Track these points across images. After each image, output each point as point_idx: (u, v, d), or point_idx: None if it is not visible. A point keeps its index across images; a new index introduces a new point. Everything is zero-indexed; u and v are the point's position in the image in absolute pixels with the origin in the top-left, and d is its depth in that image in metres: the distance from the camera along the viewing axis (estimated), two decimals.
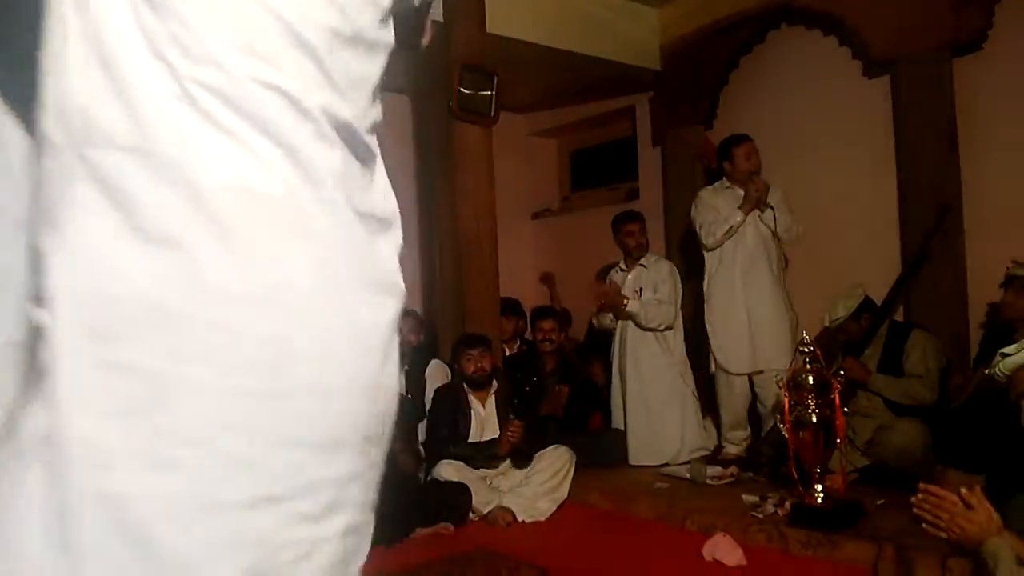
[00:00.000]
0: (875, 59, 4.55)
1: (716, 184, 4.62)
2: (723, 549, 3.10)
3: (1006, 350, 1.80)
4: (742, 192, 4.38)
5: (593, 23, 5.19)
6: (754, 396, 4.47)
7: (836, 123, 4.79)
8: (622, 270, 4.84)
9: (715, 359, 4.53)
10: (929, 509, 2.09)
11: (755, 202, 4.32)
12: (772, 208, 4.32)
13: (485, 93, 4.58)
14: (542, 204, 6.85)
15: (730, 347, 4.44)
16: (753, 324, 4.36)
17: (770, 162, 4.89)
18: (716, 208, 4.47)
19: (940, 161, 4.25)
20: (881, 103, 4.58)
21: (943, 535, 2.09)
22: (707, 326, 4.55)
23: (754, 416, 4.54)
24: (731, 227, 4.38)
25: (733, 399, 4.51)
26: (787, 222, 4.33)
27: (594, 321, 5.24)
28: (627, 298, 4.62)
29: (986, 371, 1.89)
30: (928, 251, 4.10)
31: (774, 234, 4.36)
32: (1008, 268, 3.59)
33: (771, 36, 5.19)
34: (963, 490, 2.00)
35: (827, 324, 4.05)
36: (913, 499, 2.18)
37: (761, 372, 4.35)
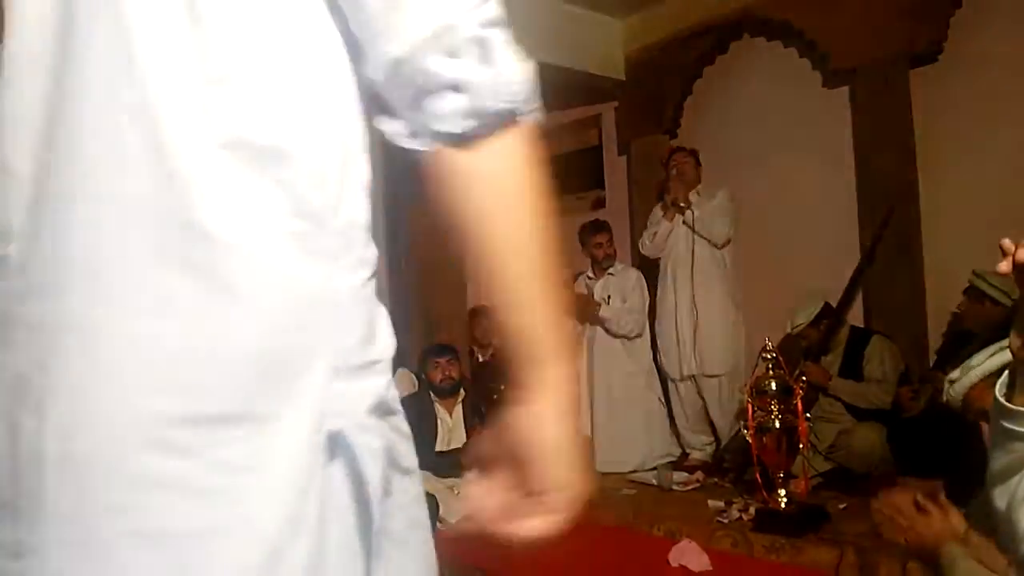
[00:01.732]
0: (834, 70, 4.63)
1: None
2: (689, 555, 3.13)
3: (951, 376, 1.83)
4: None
5: (557, 33, 5.21)
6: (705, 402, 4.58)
7: (797, 132, 4.86)
8: (590, 278, 4.87)
9: (660, 364, 4.70)
10: (889, 515, 2.12)
11: (671, 207, 4.56)
12: (692, 211, 4.48)
13: None
14: None
15: (670, 352, 4.61)
16: (688, 329, 4.49)
17: (731, 170, 4.97)
18: (656, 221, 4.73)
19: (898, 169, 4.33)
20: (841, 113, 4.66)
21: (900, 541, 2.13)
22: (655, 333, 4.73)
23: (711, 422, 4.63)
24: (655, 232, 4.66)
25: (683, 404, 4.65)
26: (708, 225, 4.47)
27: None
28: (599, 304, 4.67)
29: (942, 399, 1.93)
30: (875, 252, 4.18)
31: (708, 241, 4.49)
32: (970, 278, 3.66)
33: (733, 47, 5.26)
34: (919, 496, 2.03)
35: (789, 331, 4.12)
36: (873, 504, 2.21)
37: (707, 376, 4.47)
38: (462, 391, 4.26)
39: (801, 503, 3.31)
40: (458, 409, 4.22)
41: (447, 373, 4.17)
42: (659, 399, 4.73)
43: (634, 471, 4.49)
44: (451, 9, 0.69)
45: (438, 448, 4.09)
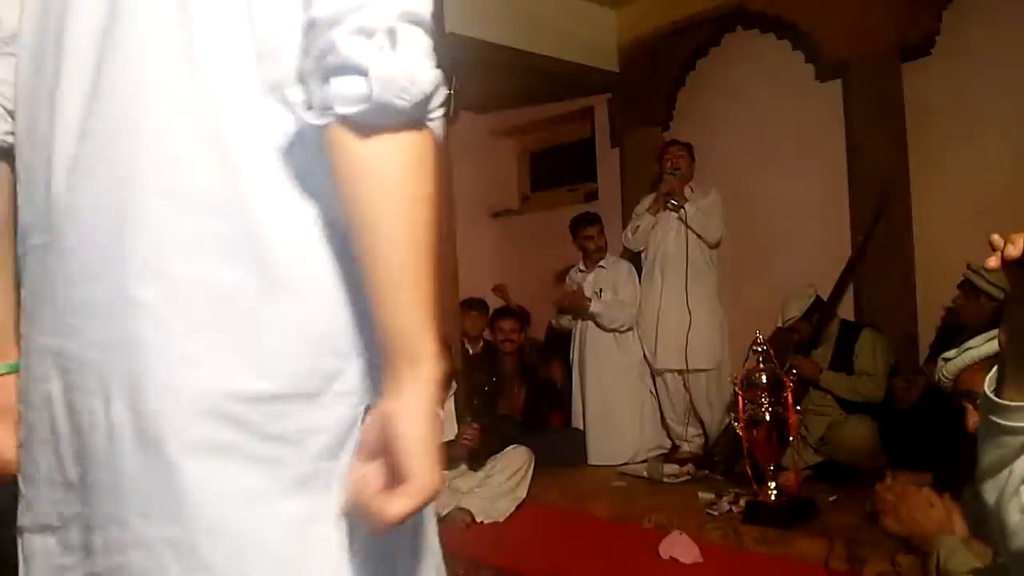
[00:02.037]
0: (827, 62, 4.63)
1: None
2: (680, 547, 3.14)
3: (947, 355, 1.84)
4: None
5: (551, 24, 5.20)
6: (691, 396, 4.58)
7: (790, 125, 4.86)
8: (581, 271, 4.87)
9: (646, 357, 4.69)
10: (892, 501, 2.15)
11: (661, 201, 4.55)
12: (684, 209, 4.47)
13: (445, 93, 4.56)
14: (502, 204, 6.85)
15: (656, 345, 4.59)
16: (674, 324, 4.47)
17: (724, 162, 4.97)
18: (642, 213, 4.71)
19: (890, 163, 4.33)
20: (833, 106, 4.66)
21: (896, 529, 2.15)
22: (637, 326, 4.72)
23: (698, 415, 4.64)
24: (638, 226, 4.66)
25: (669, 397, 4.64)
26: (703, 224, 4.46)
27: (553, 322, 5.28)
28: (589, 299, 4.67)
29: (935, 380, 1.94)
30: (868, 243, 4.16)
31: (700, 239, 4.49)
32: (964, 273, 3.67)
33: (726, 39, 5.25)
34: (927, 490, 2.06)
35: (780, 324, 4.12)
36: (877, 488, 2.24)
37: (693, 371, 4.47)
38: (454, 384, 4.25)
39: (791, 495, 3.32)
40: (449, 402, 4.21)
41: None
42: (651, 392, 4.74)
43: (625, 463, 4.50)
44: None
45: None
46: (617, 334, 4.71)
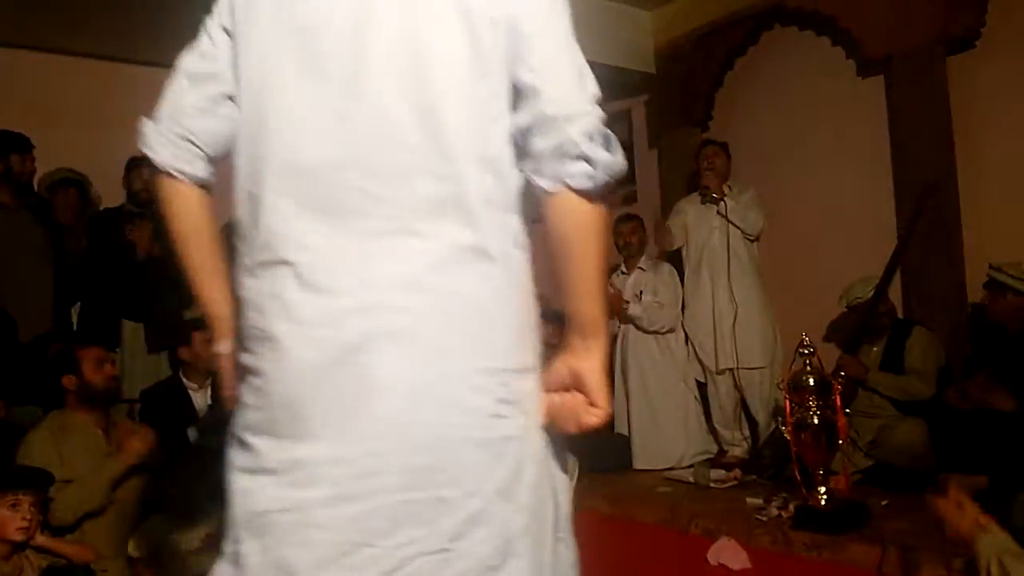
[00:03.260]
0: (868, 58, 4.56)
1: None
2: (728, 553, 3.10)
3: None
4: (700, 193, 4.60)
5: (586, 26, 5.11)
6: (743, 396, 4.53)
7: (831, 122, 4.79)
8: (623, 273, 4.85)
9: (698, 359, 4.63)
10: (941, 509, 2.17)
11: (707, 198, 4.52)
12: (724, 202, 4.44)
13: None
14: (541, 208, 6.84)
15: (706, 346, 4.54)
16: (727, 322, 4.41)
17: (764, 162, 4.91)
18: (680, 210, 4.70)
19: (935, 158, 4.25)
20: (876, 102, 4.58)
21: (951, 536, 2.15)
22: (686, 327, 4.66)
23: (749, 417, 4.58)
24: (679, 218, 4.65)
25: (719, 399, 4.57)
26: (742, 216, 4.43)
27: None
28: (627, 301, 4.64)
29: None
30: (911, 237, 4.07)
31: (743, 233, 4.44)
32: (988, 272, 3.61)
33: (765, 37, 5.19)
34: (952, 490, 2.13)
35: (845, 306, 4.06)
36: (927, 498, 2.25)
37: (743, 369, 4.42)
38: None
39: (842, 500, 3.26)
40: None
41: None
42: (695, 396, 4.69)
43: (671, 468, 4.46)
44: (588, 100, 1.13)
45: None
46: (659, 337, 4.68)
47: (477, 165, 1.10)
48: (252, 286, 1.13)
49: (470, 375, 1.08)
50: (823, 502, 3.23)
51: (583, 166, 1.07)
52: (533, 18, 1.12)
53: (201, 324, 3.89)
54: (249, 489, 1.11)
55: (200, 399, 3.67)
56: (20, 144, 3.98)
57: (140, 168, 4.27)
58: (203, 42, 1.22)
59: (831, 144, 4.78)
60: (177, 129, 1.20)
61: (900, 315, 4.22)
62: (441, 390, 1.07)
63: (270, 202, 1.10)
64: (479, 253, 1.10)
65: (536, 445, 1.15)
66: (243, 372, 1.15)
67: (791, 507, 3.35)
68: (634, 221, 4.84)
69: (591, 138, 1.08)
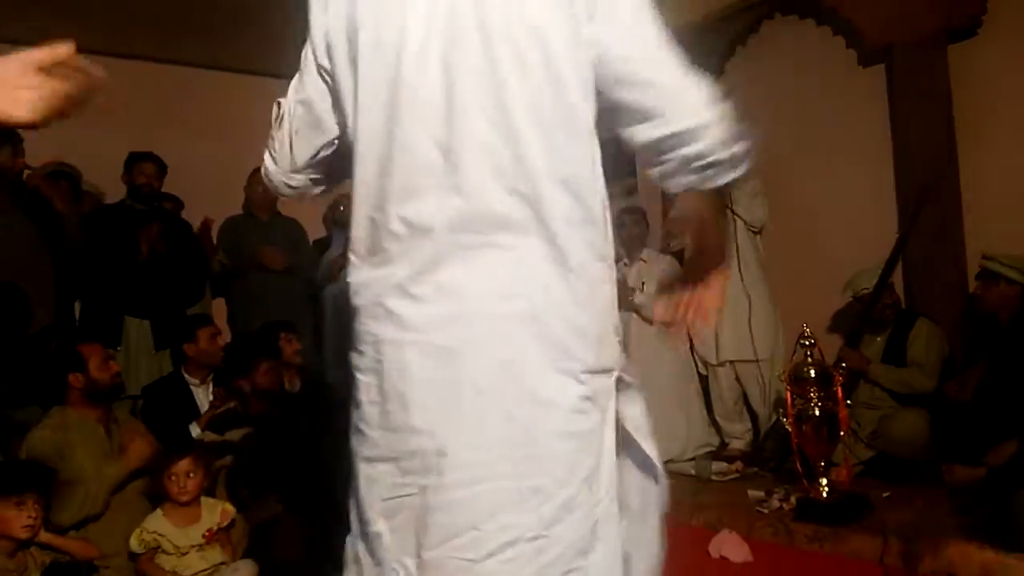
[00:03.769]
0: (869, 47, 4.53)
1: None
2: (729, 545, 3.11)
3: None
4: None
5: None
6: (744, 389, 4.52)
7: (833, 112, 4.77)
8: (625, 264, 4.84)
9: (697, 351, 4.60)
10: None
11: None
12: (729, 194, 4.30)
13: None
14: None
15: (707, 337, 4.50)
16: (727, 314, 4.37)
17: (765, 151, 4.85)
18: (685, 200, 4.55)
19: (937, 149, 4.23)
20: (877, 91, 4.56)
21: None
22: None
23: (751, 410, 4.58)
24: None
25: (720, 391, 4.56)
26: (747, 207, 4.39)
27: None
28: (633, 289, 4.63)
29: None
30: (913, 229, 4.03)
31: (747, 225, 4.40)
32: (980, 262, 3.61)
33: (766, 26, 5.17)
34: None
35: (851, 296, 4.06)
36: None
37: (744, 361, 4.40)
38: None
39: (843, 492, 3.26)
40: None
41: None
42: (696, 388, 4.69)
43: (672, 461, 4.45)
44: (708, 105, 1.28)
45: None
46: (662, 327, 4.66)
47: (556, 185, 1.21)
48: (364, 294, 1.29)
49: (556, 376, 1.20)
50: (825, 494, 3.23)
51: (716, 169, 1.25)
52: (623, 39, 1.24)
53: (206, 320, 3.92)
54: (374, 476, 1.28)
55: (202, 395, 3.68)
56: (9, 140, 3.88)
57: (143, 163, 4.26)
58: (308, 84, 1.38)
59: (832, 133, 4.76)
60: (296, 179, 1.48)
61: (903, 306, 4.22)
62: (529, 390, 1.19)
63: (389, 225, 1.25)
64: (560, 264, 1.21)
65: (612, 439, 1.27)
66: (356, 370, 1.32)
67: (793, 499, 3.36)
68: (636, 213, 4.83)
69: (724, 144, 1.25)
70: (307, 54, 1.37)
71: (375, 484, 1.28)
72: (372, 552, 1.28)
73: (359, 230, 1.31)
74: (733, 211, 4.40)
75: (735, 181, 1.28)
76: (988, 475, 2.76)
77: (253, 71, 5.50)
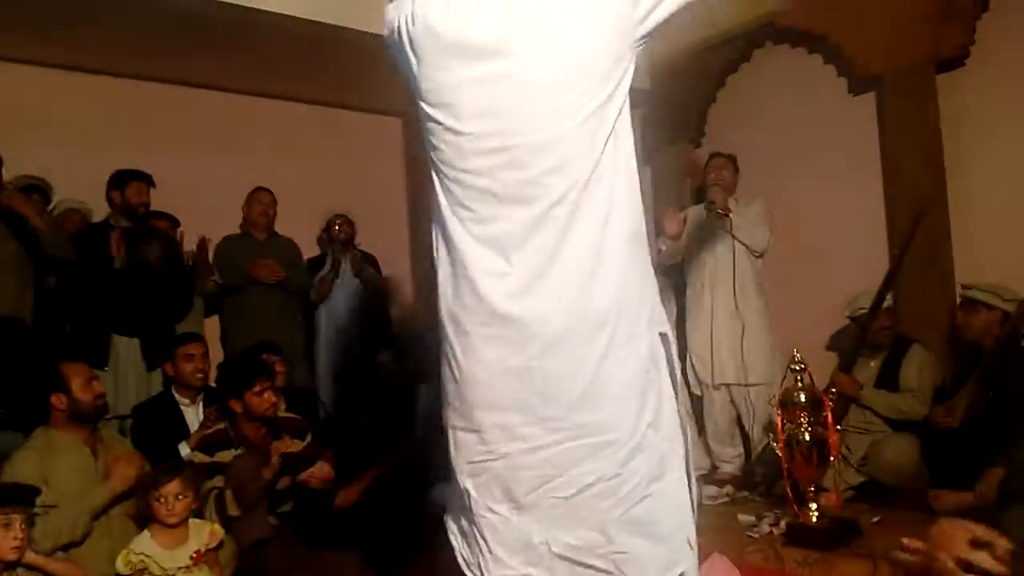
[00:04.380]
0: (860, 76, 4.59)
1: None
2: (719, 570, 3.09)
3: None
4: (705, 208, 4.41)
5: None
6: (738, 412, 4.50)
7: (824, 140, 4.82)
8: None
9: (694, 372, 4.54)
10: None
11: (712, 212, 4.33)
12: (729, 218, 4.28)
13: None
14: None
15: (705, 360, 4.45)
16: (726, 337, 4.34)
17: (757, 179, 4.92)
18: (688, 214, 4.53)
19: (926, 175, 4.28)
20: (867, 119, 4.62)
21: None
22: (687, 340, 4.58)
23: (743, 434, 4.57)
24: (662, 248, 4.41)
25: (714, 414, 4.52)
26: (748, 233, 4.29)
27: None
28: None
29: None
30: (904, 256, 4.05)
31: (748, 249, 4.36)
32: (960, 291, 3.64)
33: (757, 54, 5.23)
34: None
35: (848, 315, 4.08)
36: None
37: (739, 385, 4.38)
38: None
39: (833, 517, 3.26)
40: None
41: None
42: (687, 411, 4.68)
43: None
44: None
45: None
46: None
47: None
48: (452, 296, 1.59)
49: (629, 343, 1.47)
50: (815, 519, 3.23)
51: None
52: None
53: (195, 338, 3.89)
54: (464, 443, 1.55)
55: (191, 414, 3.66)
56: None
57: (137, 182, 4.21)
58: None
59: (823, 161, 4.81)
60: None
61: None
62: (604, 357, 1.45)
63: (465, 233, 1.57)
64: (630, 239, 1.51)
65: (668, 387, 1.54)
66: (446, 357, 1.59)
67: (783, 524, 3.35)
68: None
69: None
70: None
71: (465, 450, 1.55)
72: (462, 505, 1.57)
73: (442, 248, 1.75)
74: (734, 236, 4.33)
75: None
76: (978, 505, 2.77)
77: (251, 91, 5.53)
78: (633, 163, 1.57)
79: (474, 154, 1.49)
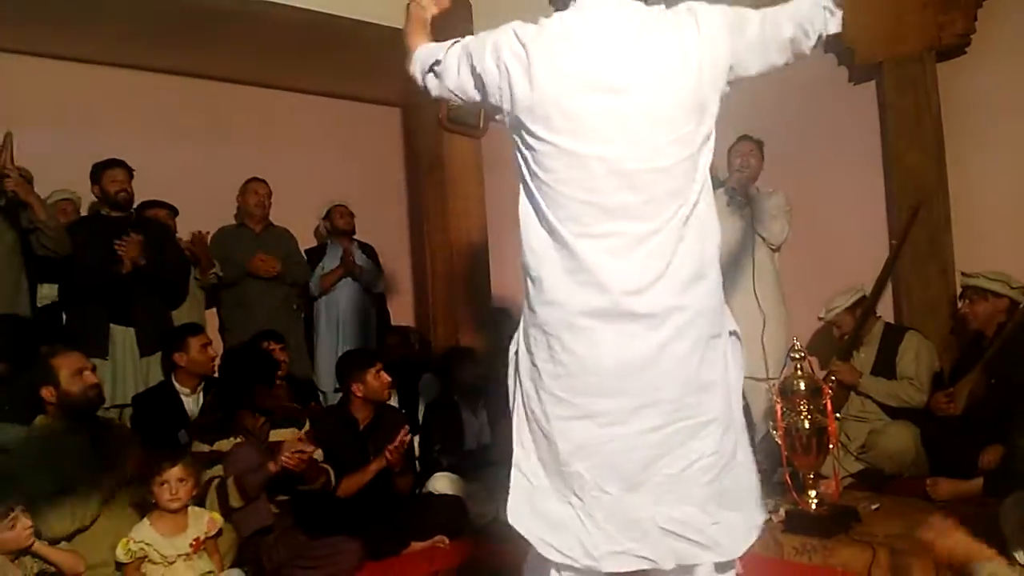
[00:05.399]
0: (860, 64, 4.58)
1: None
2: None
3: None
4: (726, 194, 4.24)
5: None
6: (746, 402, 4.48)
7: (824, 129, 4.81)
8: None
9: None
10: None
11: (732, 196, 4.19)
12: (750, 208, 4.18)
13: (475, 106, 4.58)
14: None
15: None
16: (747, 330, 4.27)
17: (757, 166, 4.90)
18: None
19: (926, 164, 4.27)
20: (868, 108, 4.61)
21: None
22: None
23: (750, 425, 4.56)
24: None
25: None
26: (766, 226, 4.19)
27: None
28: None
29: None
30: (904, 245, 4.03)
31: (766, 242, 4.30)
32: (961, 280, 3.63)
33: None
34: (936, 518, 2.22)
35: (822, 316, 4.05)
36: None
37: (755, 379, 4.34)
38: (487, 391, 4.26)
39: (832, 504, 3.27)
40: (482, 412, 4.23)
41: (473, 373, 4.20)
42: None
43: None
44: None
45: (467, 449, 4.10)
46: None
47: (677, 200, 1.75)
48: (565, 296, 1.74)
49: (720, 336, 1.79)
50: (814, 506, 3.23)
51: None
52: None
53: (197, 329, 3.88)
54: (572, 429, 1.74)
55: (191, 403, 3.66)
56: None
57: (112, 171, 4.13)
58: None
59: (823, 150, 4.79)
60: None
61: (892, 321, 4.24)
62: (706, 346, 1.75)
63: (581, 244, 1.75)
64: (717, 246, 1.84)
65: (736, 376, 1.84)
66: (552, 352, 1.76)
67: (782, 511, 3.36)
68: None
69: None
70: None
71: (574, 435, 1.74)
72: (568, 488, 1.75)
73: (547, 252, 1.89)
74: (755, 230, 4.21)
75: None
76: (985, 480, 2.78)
77: (249, 81, 5.51)
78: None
79: (594, 175, 1.70)
